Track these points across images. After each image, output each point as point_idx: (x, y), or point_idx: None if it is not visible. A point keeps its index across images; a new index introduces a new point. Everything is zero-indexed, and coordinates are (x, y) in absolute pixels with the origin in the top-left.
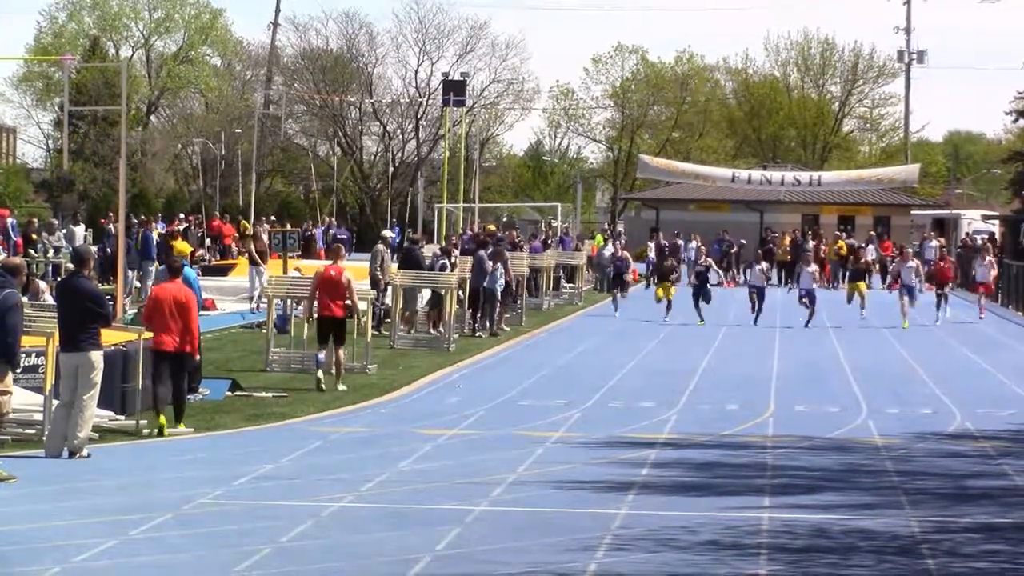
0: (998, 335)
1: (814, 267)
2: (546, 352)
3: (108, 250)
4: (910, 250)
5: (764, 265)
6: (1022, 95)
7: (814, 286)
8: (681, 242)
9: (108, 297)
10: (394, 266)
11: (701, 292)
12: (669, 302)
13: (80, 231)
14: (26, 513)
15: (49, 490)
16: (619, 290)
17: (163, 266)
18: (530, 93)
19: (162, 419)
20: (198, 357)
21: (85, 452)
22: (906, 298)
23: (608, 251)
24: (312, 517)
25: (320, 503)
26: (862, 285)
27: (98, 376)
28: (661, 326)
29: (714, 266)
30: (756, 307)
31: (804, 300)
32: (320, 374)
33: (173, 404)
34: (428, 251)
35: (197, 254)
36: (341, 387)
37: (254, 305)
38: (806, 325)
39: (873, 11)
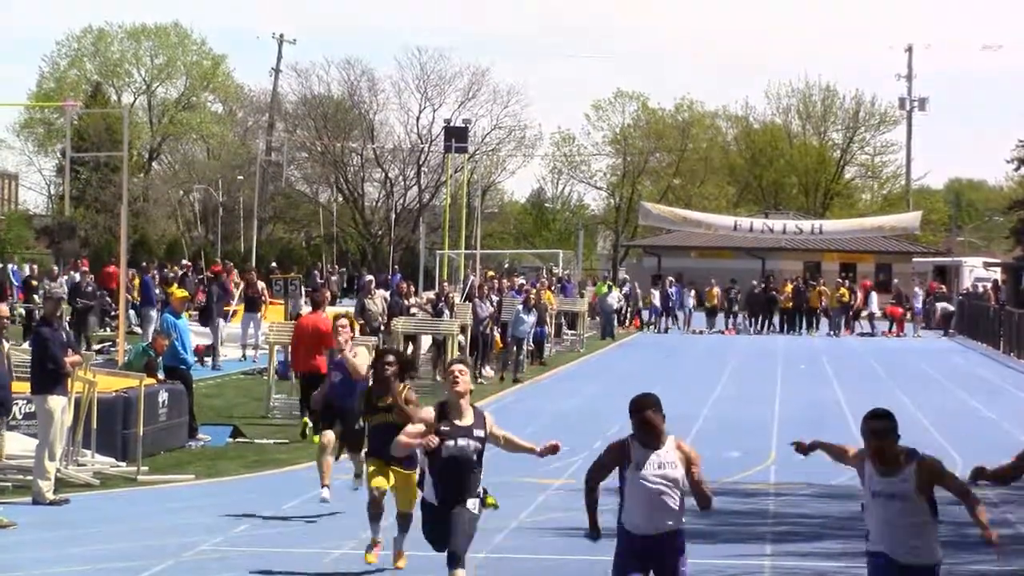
0: (999, 381)
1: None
2: (548, 398)
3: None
4: None
5: (667, 451)
6: (1023, 143)
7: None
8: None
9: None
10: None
11: (447, 524)
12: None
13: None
14: (27, 560)
15: (50, 537)
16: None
17: (163, 313)
18: (532, 139)
19: (316, 438)
20: None
21: (53, 496)
22: None
23: (611, 298)
24: (313, 564)
25: (321, 550)
26: None
27: (48, 424)
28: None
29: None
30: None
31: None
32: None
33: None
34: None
35: (197, 300)
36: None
37: (250, 352)
38: None
39: (874, 58)
